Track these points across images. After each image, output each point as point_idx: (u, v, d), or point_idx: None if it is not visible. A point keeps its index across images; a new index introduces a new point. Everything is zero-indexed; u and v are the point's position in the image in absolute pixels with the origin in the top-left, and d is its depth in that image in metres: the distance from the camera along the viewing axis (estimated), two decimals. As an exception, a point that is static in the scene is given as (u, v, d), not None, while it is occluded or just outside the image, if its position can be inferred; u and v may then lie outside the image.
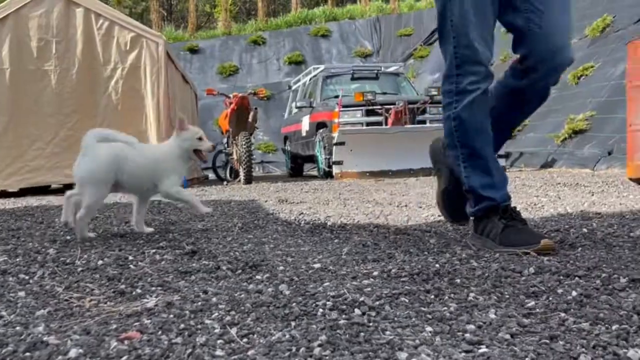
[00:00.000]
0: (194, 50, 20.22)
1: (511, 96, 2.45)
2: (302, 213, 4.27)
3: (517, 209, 2.42)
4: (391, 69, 12.62)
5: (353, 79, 11.59)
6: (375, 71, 11.98)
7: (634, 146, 5.53)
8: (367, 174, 9.19)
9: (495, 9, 2.39)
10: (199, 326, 1.45)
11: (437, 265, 2.10)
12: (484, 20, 2.35)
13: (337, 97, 10.29)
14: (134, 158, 3.08)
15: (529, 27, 2.33)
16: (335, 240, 2.80)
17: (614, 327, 1.32)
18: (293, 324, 1.44)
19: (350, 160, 9.19)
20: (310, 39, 20.68)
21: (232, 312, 1.56)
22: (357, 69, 12.11)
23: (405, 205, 4.78)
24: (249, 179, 9.07)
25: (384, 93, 11.16)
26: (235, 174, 10.10)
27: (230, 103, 9.73)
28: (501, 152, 9.59)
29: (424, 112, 10.36)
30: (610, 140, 8.82)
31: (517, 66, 2.41)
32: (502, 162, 9.64)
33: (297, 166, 13.00)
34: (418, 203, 4.87)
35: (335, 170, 9.30)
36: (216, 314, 1.55)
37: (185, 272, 2.12)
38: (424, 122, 10.30)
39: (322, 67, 12.54)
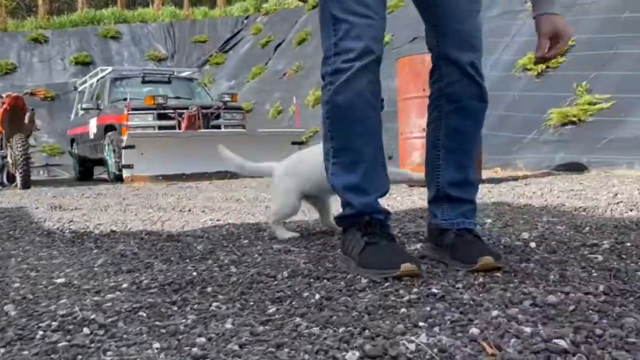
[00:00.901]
0: (-39, 46, 18.23)
1: None
2: (71, 221, 3.96)
3: (387, 221, 2.06)
4: (185, 74, 12.42)
5: (144, 82, 11.21)
6: (168, 75, 11.72)
7: (405, 152, 5.95)
8: (160, 177, 8.94)
9: None
10: None
11: (194, 273, 2.02)
12: None
13: (126, 99, 9.87)
14: (310, 161, 2.74)
15: None
16: (95, 251, 2.61)
17: (340, 330, 1.33)
18: (2, 351, 1.27)
19: (142, 163, 8.88)
20: (99, 40, 19.65)
21: None
22: (149, 72, 11.76)
23: (189, 210, 4.67)
24: (26, 184, 8.42)
25: (177, 97, 10.93)
26: (11, 178, 9.26)
27: (3, 103, 8.88)
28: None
29: (218, 117, 10.32)
30: (392, 146, 9.46)
31: None
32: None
33: (86, 170, 12.34)
34: (202, 207, 4.77)
35: (125, 174, 8.93)
36: None
37: None
38: (218, 127, 10.27)
39: (109, 68, 11.99)
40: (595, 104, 7.15)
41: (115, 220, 3.96)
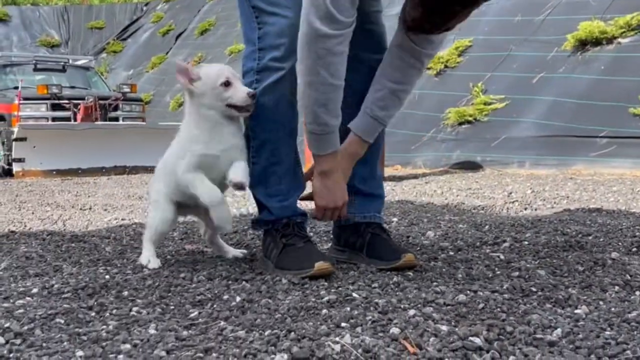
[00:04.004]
0: None
1: None
2: (-37, 220, 3.74)
3: (305, 223, 2.07)
4: (80, 62, 11.90)
5: (36, 69, 10.65)
6: (62, 63, 11.20)
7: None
8: (54, 172, 8.54)
9: None
10: None
11: (107, 276, 1.98)
12: None
13: (16, 88, 9.35)
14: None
15: None
16: (-4, 253, 2.48)
17: (266, 333, 1.36)
18: None
19: (34, 157, 8.44)
20: (-15, 23, 18.51)
21: None
22: (41, 59, 11.20)
23: (90, 208, 4.52)
24: None
25: (73, 87, 10.47)
26: None
27: None
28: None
29: (116, 108, 10.00)
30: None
31: None
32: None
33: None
34: (104, 205, 4.63)
35: (16, 168, 8.47)
36: None
37: None
38: (116, 119, 9.97)
39: (-2, 54, 11.33)
40: (489, 104, 7.53)
41: (12, 219, 3.77)
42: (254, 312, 1.55)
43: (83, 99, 9.54)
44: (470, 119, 7.59)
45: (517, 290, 1.66)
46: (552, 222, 2.87)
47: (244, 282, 1.85)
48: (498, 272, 1.91)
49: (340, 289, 1.73)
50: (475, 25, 8.69)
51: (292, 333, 1.34)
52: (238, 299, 1.66)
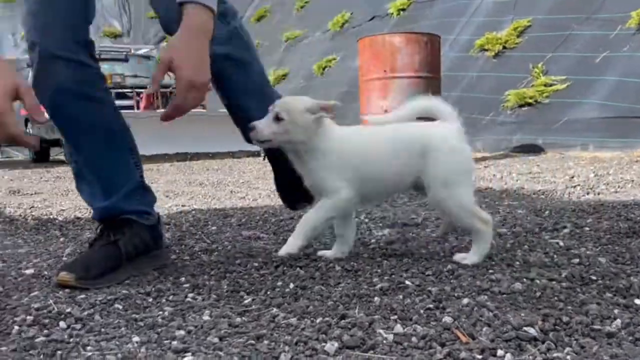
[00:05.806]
0: None
1: None
2: (32, 207, 3.89)
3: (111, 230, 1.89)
4: (142, 51, 12.20)
5: (100, 59, 10.93)
6: (125, 52, 11.49)
7: (367, 134, 5.99)
8: (118, 160, 8.79)
9: None
10: None
11: (166, 262, 2.03)
12: None
13: (82, 78, 9.66)
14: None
15: None
16: (62, 239, 2.58)
17: (318, 321, 1.36)
18: (-20, 347, 1.27)
19: (99, 146, 8.71)
20: (52, 14, 19.14)
21: None
22: (104, 50, 11.51)
23: (151, 195, 4.63)
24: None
25: (135, 76, 10.74)
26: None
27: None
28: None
29: (177, 96, 10.20)
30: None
31: None
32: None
33: (42, 151, 11.99)
34: (165, 192, 4.74)
35: (82, 157, 8.75)
36: None
37: None
38: (177, 106, 10.16)
39: (64, 45, 11.68)
40: (550, 85, 7.31)
41: (78, 205, 3.90)
42: (306, 299, 1.55)
43: (145, 87, 9.77)
44: (530, 101, 7.40)
45: (576, 279, 1.61)
46: (615, 207, 2.77)
47: (297, 269, 1.86)
48: (556, 260, 1.86)
49: (393, 276, 1.72)
50: (534, 4, 8.43)
51: (343, 321, 1.35)
52: (291, 285, 1.67)
